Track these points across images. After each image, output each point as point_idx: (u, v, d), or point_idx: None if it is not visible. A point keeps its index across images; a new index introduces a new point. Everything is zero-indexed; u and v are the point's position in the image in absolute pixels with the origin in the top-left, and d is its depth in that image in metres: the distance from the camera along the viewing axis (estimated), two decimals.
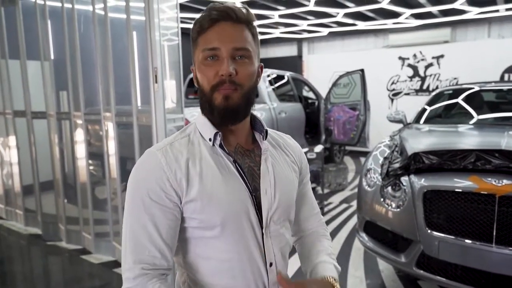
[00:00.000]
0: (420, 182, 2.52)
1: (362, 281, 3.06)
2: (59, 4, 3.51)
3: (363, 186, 2.96)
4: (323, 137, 6.45)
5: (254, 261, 0.92)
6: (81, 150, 3.65)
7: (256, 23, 0.94)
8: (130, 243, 0.88)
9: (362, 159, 7.82)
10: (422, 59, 8.16)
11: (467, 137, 3.27)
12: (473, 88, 4.06)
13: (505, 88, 4.10)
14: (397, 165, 2.74)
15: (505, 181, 2.27)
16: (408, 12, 6.51)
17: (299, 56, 9.85)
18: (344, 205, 5.12)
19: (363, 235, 2.93)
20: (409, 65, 8.34)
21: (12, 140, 4.42)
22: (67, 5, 3.45)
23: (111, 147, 3.35)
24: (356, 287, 2.98)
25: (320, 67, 9.39)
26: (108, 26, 3.14)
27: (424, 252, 2.44)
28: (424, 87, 8.23)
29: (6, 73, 4.23)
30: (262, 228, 0.93)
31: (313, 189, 5.06)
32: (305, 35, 9.16)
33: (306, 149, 4.84)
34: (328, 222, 4.42)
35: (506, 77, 7.30)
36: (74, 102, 3.60)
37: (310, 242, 1.11)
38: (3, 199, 4.70)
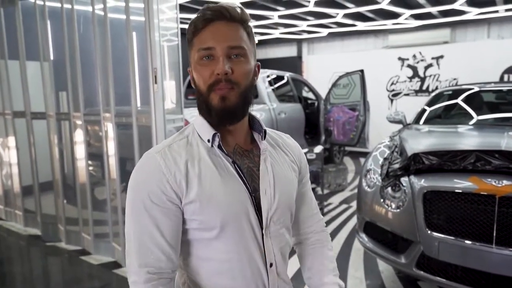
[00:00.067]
0: (420, 183, 2.52)
1: (362, 282, 3.06)
2: (59, 5, 3.50)
3: (363, 186, 2.96)
4: (323, 137, 6.45)
5: (254, 262, 0.92)
6: (80, 151, 3.65)
7: (251, 22, 0.94)
8: (134, 247, 0.88)
9: (362, 160, 7.82)
10: (422, 60, 8.17)
11: (467, 138, 3.27)
12: (472, 88, 4.06)
13: (504, 88, 4.11)
14: (397, 166, 2.73)
15: (505, 182, 2.26)
16: (407, 12, 6.51)
17: (299, 57, 9.85)
18: (344, 206, 5.11)
19: (363, 235, 2.92)
20: (409, 66, 8.34)
21: (11, 140, 4.41)
22: (67, 6, 3.45)
23: (111, 147, 3.34)
24: None
25: (320, 67, 9.39)
26: (108, 27, 3.13)
27: (424, 253, 2.44)
28: (424, 87, 8.23)
29: (6, 73, 4.22)
30: (262, 228, 0.93)
31: (313, 189, 5.05)
32: (305, 35, 9.16)
33: (305, 150, 4.83)
34: (328, 223, 4.42)
35: (505, 77, 7.31)
36: (73, 103, 3.59)
37: (313, 253, 1.11)
38: (3, 199, 4.70)
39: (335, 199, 5.43)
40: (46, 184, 4.14)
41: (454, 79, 7.86)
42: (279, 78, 6.21)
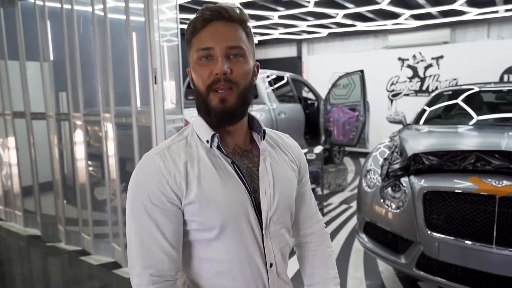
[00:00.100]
0: (420, 183, 2.51)
1: (362, 282, 3.06)
2: (59, 5, 3.50)
3: (363, 187, 2.96)
4: (323, 138, 6.45)
5: (254, 262, 0.92)
6: (80, 151, 3.65)
7: (250, 23, 0.94)
8: (136, 249, 0.87)
9: (362, 160, 7.82)
10: (422, 60, 8.17)
11: (467, 138, 3.27)
12: (472, 89, 4.06)
13: (504, 89, 4.10)
14: (397, 166, 2.73)
15: (505, 182, 2.26)
16: (407, 13, 6.51)
17: (299, 57, 9.85)
18: (344, 206, 5.11)
19: (363, 236, 2.92)
20: (409, 66, 8.34)
21: (11, 141, 4.41)
22: (67, 6, 3.45)
23: (111, 148, 3.34)
24: None
25: (320, 68, 9.39)
26: (108, 27, 3.13)
27: (424, 253, 2.44)
28: (424, 88, 8.23)
29: (6, 74, 4.22)
30: (262, 229, 0.92)
31: (313, 190, 5.06)
32: (305, 36, 9.16)
33: (305, 150, 4.83)
34: (327, 223, 4.42)
35: (505, 78, 7.31)
36: (73, 103, 3.59)
37: (314, 260, 1.11)
38: (2, 200, 4.70)
39: (335, 200, 5.43)
40: (46, 184, 4.14)
41: (454, 79, 7.86)
42: (279, 78, 6.21)
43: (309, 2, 5.84)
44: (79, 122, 3.57)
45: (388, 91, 8.66)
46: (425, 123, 3.90)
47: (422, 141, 3.16)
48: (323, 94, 6.63)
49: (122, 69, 3.14)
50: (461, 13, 6.60)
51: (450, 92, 4.27)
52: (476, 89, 4.04)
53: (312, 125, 6.53)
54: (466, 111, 3.82)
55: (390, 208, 2.66)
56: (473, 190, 2.32)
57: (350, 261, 3.43)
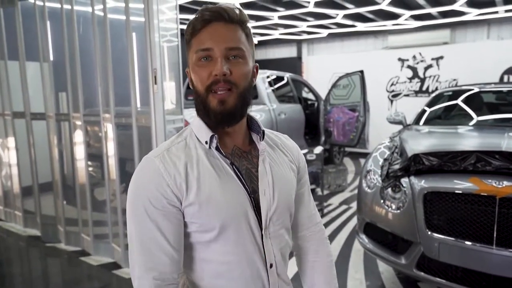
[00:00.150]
0: (420, 184, 2.51)
1: (362, 283, 3.05)
2: (59, 5, 3.50)
3: (363, 187, 2.96)
4: (323, 138, 6.45)
5: (253, 263, 0.91)
6: (80, 152, 3.64)
7: (250, 23, 0.94)
8: (138, 251, 0.87)
9: (362, 161, 7.82)
10: (422, 61, 8.17)
11: (467, 139, 3.27)
12: (472, 89, 4.06)
13: (504, 89, 4.10)
14: (397, 167, 2.73)
15: (505, 183, 2.26)
16: (407, 13, 6.51)
17: (299, 57, 9.85)
18: (344, 207, 5.11)
19: (363, 236, 2.92)
20: (409, 67, 8.34)
21: (11, 141, 4.40)
22: (66, 6, 3.45)
23: (110, 148, 3.34)
24: None
25: (320, 68, 9.39)
26: (108, 27, 3.13)
27: (425, 254, 2.43)
28: (424, 88, 8.23)
29: (5, 74, 4.22)
30: (261, 229, 0.92)
31: (313, 190, 5.07)
32: (305, 36, 9.16)
33: (305, 150, 4.83)
34: (327, 224, 4.42)
35: (505, 78, 7.31)
36: (73, 103, 3.59)
37: (313, 272, 1.11)
38: (2, 200, 4.69)
39: (335, 200, 5.43)
40: (45, 185, 4.14)
41: (454, 79, 7.86)
42: (279, 78, 6.21)
43: (309, 2, 5.85)
44: (79, 123, 3.57)
45: (388, 91, 8.66)
46: (425, 123, 3.89)
47: (422, 142, 3.16)
48: (323, 94, 6.63)
49: (122, 70, 3.13)
50: (461, 13, 6.60)
51: (450, 93, 4.27)
52: (476, 89, 4.04)
53: (312, 125, 6.53)
54: (466, 112, 3.82)
55: (390, 209, 2.66)
56: (474, 190, 2.32)
57: (350, 262, 3.43)
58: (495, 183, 2.29)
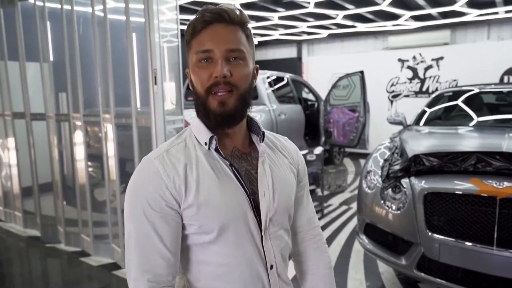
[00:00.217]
0: (421, 184, 2.51)
1: (362, 284, 3.05)
2: (59, 6, 3.50)
3: (363, 188, 2.96)
4: (323, 139, 6.44)
5: (253, 265, 0.91)
6: (80, 152, 3.64)
7: (251, 24, 0.93)
8: (134, 253, 0.87)
9: (362, 161, 7.82)
10: (422, 61, 8.17)
11: (468, 139, 3.27)
12: (473, 90, 4.06)
13: (505, 90, 4.10)
14: (397, 167, 2.73)
15: (506, 183, 2.26)
16: (407, 14, 6.51)
17: (299, 58, 9.85)
18: (344, 207, 5.10)
19: (363, 237, 2.92)
20: (409, 67, 8.34)
21: (11, 141, 4.40)
22: (67, 7, 3.45)
23: (110, 149, 3.34)
24: None
25: (320, 69, 9.39)
26: (108, 28, 3.13)
27: (425, 255, 2.43)
28: (424, 89, 8.23)
29: (5, 74, 4.22)
30: (261, 230, 0.92)
31: (313, 191, 5.07)
32: (305, 37, 9.17)
33: (305, 151, 4.83)
34: (328, 224, 4.42)
35: (505, 79, 7.31)
36: (73, 104, 3.59)
37: (312, 279, 1.12)
38: (2, 201, 4.69)
39: (335, 201, 5.43)
40: (45, 185, 4.13)
41: (454, 80, 7.86)
42: (279, 79, 6.21)
43: (309, 3, 5.85)
44: (79, 123, 3.57)
45: (388, 92, 8.66)
46: (426, 124, 3.89)
47: (422, 142, 3.15)
48: (323, 95, 6.63)
49: (122, 70, 3.13)
50: (461, 14, 6.60)
51: (450, 93, 4.27)
52: (476, 90, 4.04)
53: (312, 126, 6.52)
54: (467, 112, 3.82)
55: (390, 209, 2.66)
56: (474, 191, 2.31)
57: (350, 263, 3.42)
58: (496, 183, 2.28)
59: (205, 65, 0.87)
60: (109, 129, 3.33)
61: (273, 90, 5.73)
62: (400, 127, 4.08)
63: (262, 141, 0.97)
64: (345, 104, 6.16)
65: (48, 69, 3.73)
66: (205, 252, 0.90)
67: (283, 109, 5.57)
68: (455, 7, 6.03)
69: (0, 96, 4.37)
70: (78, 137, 3.63)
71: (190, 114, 3.63)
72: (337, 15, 6.63)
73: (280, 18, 6.85)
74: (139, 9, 2.87)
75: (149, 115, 2.89)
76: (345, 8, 6.21)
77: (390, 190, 2.71)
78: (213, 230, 0.87)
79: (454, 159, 2.49)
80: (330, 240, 3.94)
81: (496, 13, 6.52)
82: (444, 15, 6.89)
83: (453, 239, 2.34)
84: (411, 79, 8.35)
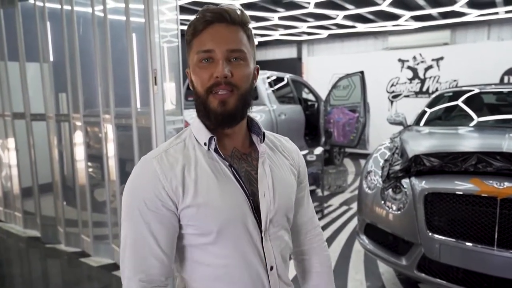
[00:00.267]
0: (421, 185, 2.51)
1: (363, 284, 3.05)
2: (59, 6, 3.50)
3: (364, 188, 2.95)
4: (323, 139, 6.44)
5: (253, 266, 0.90)
6: (80, 152, 3.64)
7: (251, 25, 0.93)
8: (129, 252, 0.87)
9: (362, 161, 7.82)
10: (422, 61, 8.17)
11: (468, 140, 3.27)
12: (473, 90, 4.06)
13: (505, 90, 4.10)
14: (397, 168, 2.72)
15: (506, 184, 2.26)
16: (407, 14, 6.51)
17: (299, 58, 9.85)
18: (344, 207, 5.10)
19: (364, 237, 2.91)
20: (409, 67, 8.34)
21: (11, 142, 4.40)
22: (67, 7, 3.45)
23: (110, 149, 3.33)
24: None
25: (320, 69, 9.39)
26: (108, 28, 3.13)
27: (425, 255, 2.43)
28: (424, 89, 8.23)
29: (5, 75, 4.22)
30: (261, 232, 0.91)
31: (313, 191, 5.06)
32: (305, 37, 9.16)
33: (306, 151, 4.83)
34: (328, 225, 4.41)
35: (506, 79, 7.31)
36: (73, 104, 3.59)
37: (313, 274, 1.13)
38: (2, 201, 4.69)
39: (335, 201, 5.42)
40: (45, 185, 4.13)
41: (454, 80, 7.85)
42: (279, 79, 6.21)
43: (309, 3, 5.84)
44: (79, 123, 3.57)
45: (388, 92, 8.66)
46: (426, 124, 3.89)
47: (423, 143, 3.15)
48: (323, 95, 6.63)
49: (122, 70, 3.13)
50: (461, 14, 6.60)
51: (450, 94, 4.27)
52: (476, 90, 4.04)
53: (312, 126, 6.52)
54: (467, 113, 3.82)
55: (391, 210, 2.66)
56: (475, 191, 2.31)
57: (350, 263, 3.42)
58: (496, 184, 2.28)
59: (206, 65, 0.86)
60: (109, 130, 3.32)
61: (273, 91, 5.73)
62: (400, 128, 4.08)
63: (263, 142, 0.96)
64: (345, 105, 6.16)
65: (48, 69, 3.72)
66: (204, 253, 0.90)
67: (283, 110, 5.57)
68: (455, 7, 6.03)
69: (0, 97, 4.37)
70: (78, 137, 3.63)
71: (190, 115, 3.63)
72: (337, 15, 6.63)
73: (280, 18, 6.85)
74: (139, 9, 2.87)
75: (149, 115, 2.89)
76: (345, 9, 6.21)
77: (390, 190, 2.71)
78: (212, 231, 0.87)
79: (454, 159, 2.48)
80: (330, 240, 3.93)
81: (496, 13, 6.52)
82: (444, 15, 6.89)
83: (453, 240, 2.34)
84: (411, 79, 8.35)
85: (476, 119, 3.68)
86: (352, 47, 9.18)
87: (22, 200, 4.34)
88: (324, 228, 4.28)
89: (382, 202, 2.72)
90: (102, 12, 3.15)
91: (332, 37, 8.95)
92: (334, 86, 6.24)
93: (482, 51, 7.44)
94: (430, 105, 4.18)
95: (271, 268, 0.93)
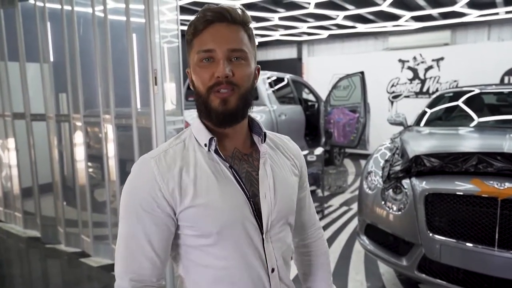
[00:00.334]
0: (422, 185, 2.50)
1: (363, 285, 3.04)
2: (59, 6, 3.50)
3: (364, 188, 2.95)
4: (323, 139, 6.44)
5: (253, 268, 0.90)
6: (80, 153, 3.64)
7: (252, 24, 0.92)
8: (122, 251, 0.88)
9: (362, 162, 7.81)
10: (422, 62, 8.16)
11: (469, 140, 3.26)
12: (473, 90, 4.05)
13: (505, 90, 4.10)
14: (398, 168, 2.72)
15: (507, 184, 2.25)
16: (408, 14, 6.51)
17: (299, 59, 9.85)
18: (344, 208, 5.10)
19: (364, 238, 2.91)
20: (409, 68, 8.34)
21: (11, 142, 4.40)
22: (67, 7, 3.45)
23: (111, 149, 3.33)
24: None
25: (320, 69, 9.38)
26: (108, 28, 3.13)
27: (426, 256, 2.42)
28: (424, 89, 8.23)
29: (6, 75, 4.22)
30: (262, 233, 0.91)
31: (313, 191, 5.06)
32: (305, 37, 9.16)
33: (306, 152, 4.83)
34: (328, 225, 4.41)
35: (506, 79, 7.30)
36: (73, 104, 3.58)
37: (312, 264, 1.16)
38: (2, 201, 4.68)
39: (336, 201, 5.42)
40: (45, 186, 4.13)
41: (455, 81, 7.85)
42: (280, 79, 6.21)
43: (309, 3, 5.84)
44: (79, 124, 3.57)
45: (388, 92, 8.65)
46: (426, 125, 3.89)
47: (423, 143, 3.15)
48: (323, 95, 6.63)
49: (122, 70, 3.13)
50: (462, 15, 6.60)
51: (451, 94, 4.26)
52: (477, 91, 4.04)
53: (312, 126, 6.52)
54: (467, 113, 3.82)
55: (391, 210, 2.65)
56: (475, 192, 2.31)
57: (350, 263, 3.42)
58: (497, 184, 2.28)
59: (207, 65, 0.86)
60: (109, 130, 3.32)
61: (273, 91, 5.73)
62: (400, 128, 4.08)
63: (264, 142, 0.96)
64: (345, 105, 6.16)
65: (48, 69, 3.72)
66: (204, 255, 0.89)
67: (283, 110, 5.56)
68: (456, 8, 6.03)
69: (0, 97, 4.37)
70: (78, 137, 3.63)
71: (191, 115, 3.63)
72: (338, 15, 6.63)
73: (281, 18, 6.85)
74: (140, 9, 2.87)
75: (149, 115, 2.89)
76: (345, 9, 6.20)
77: (391, 191, 2.71)
78: (212, 233, 0.86)
79: (455, 159, 2.48)
80: (330, 241, 3.93)
81: (497, 13, 6.52)
82: (445, 15, 6.89)
83: (454, 240, 2.33)
84: (411, 80, 8.35)
85: (477, 119, 3.67)
86: (352, 47, 9.18)
87: (22, 200, 4.34)
88: (324, 228, 4.27)
89: (383, 202, 2.72)
90: (102, 12, 3.15)
91: (332, 37, 8.95)
92: (334, 87, 6.24)
93: (482, 51, 7.44)
94: (430, 106, 4.18)
95: (272, 270, 0.92)
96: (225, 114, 0.87)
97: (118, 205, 2.99)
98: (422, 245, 2.43)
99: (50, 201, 4.05)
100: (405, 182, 2.63)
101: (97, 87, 3.31)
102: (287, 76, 6.35)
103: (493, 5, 6.06)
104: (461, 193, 2.35)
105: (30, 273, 3.46)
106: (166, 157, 0.88)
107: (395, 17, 6.89)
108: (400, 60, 8.41)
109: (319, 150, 4.97)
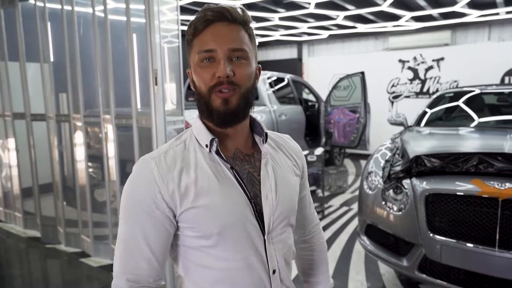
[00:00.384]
0: (422, 185, 2.50)
1: (363, 285, 3.04)
2: (59, 6, 3.50)
3: (364, 189, 2.95)
4: (323, 139, 6.44)
5: (254, 270, 0.89)
6: (80, 153, 3.63)
7: (252, 24, 0.92)
8: (121, 251, 0.88)
9: (362, 162, 7.81)
10: (422, 62, 8.16)
11: (469, 140, 3.26)
12: (474, 91, 4.05)
13: (506, 91, 4.09)
14: (398, 168, 2.72)
15: (508, 185, 2.25)
16: (408, 14, 6.51)
17: (299, 59, 9.85)
18: (345, 208, 5.09)
19: (364, 238, 2.91)
20: (409, 68, 8.33)
21: (11, 142, 4.40)
22: (67, 7, 3.44)
23: (111, 149, 3.33)
24: None
25: (320, 69, 9.38)
26: (108, 28, 3.13)
27: (426, 256, 2.42)
28: (424, 89, 8.22)
29: (6, 75, 4.21)
30: (264, 234, 0.90)
31: (314, 191, 5.06)
32: (305, 37, 9.16)
33: (306, 152, 4.82)
34: (328, 225, 4.41)
35: (506, 80, 7.30)
36: (73, 104, 3.58)
37: (312, 259, 1.18)
38: (2, 201, 4.68)
39: (336, 202, 5.42)
40: (45, 186, 4.13)
41: (455, 81, 7.85)
42: (280, 80, 6.21)
43: (309, 3, 5.84)
44: (79, 124, 3.56)
45: (388, 93, 8.65)
46: (427, 125, 3.88)
47: (423, 143, 3.15)
48: (323, 95, 6.63)
49: (122, 71, 3.13)
50: (462, 15, 6.60)
51: (451, 94, 4.26)
52: (477, 91, 4.04)
53: (312, 126, 6.51)
54: (468, 113, 3.81)
55: (391, 211, 2.65)
56: (476, 192, 2.30)
57: (351, 264, 3.41)
58: (498, 185, 2.28)
59: (208, 65, 0.86)
60: (109, 130, 3.32)
61: (273, 91, 5.72)
62: (401, 128, 4.07)
63: (265, 142, 0.95)
64: (345, 105, 6.16)
65: (49, 69, 3.72)
66: (205, 257, 0.89)
67: (283, 110, 5.56)
68: (456, 8, 6.03)
69: (1, 97, 4.37)
70: (79, 137, 3.63)
71: (191, 115, 3.63)
72: (338, 16, 6.63)
73: (281, 18, 6.85)
74: (140, 9, 2.87)
75: (150, 115, 2.88)
76: (345, 9, 6.20)
77: (391, 191, 2.71)
78: (212, 234, 0.86)
79: (455, 160, 2.48)
80: (331, 241, 3.93)
81: (497, 14, 6.52)
82: (445, 16, 6.89)
83: (454, 241, 2.33)
84: (411, 80, 8.35)
85: (477, 119, 3.67)
86: (352, 47, 9.18)
87: (22, 200, 4.34)
88: (324, 229, 4.27)
89: (383, 202, 2.72)
90: (102, 12, 3.15)
91: (332, 37, 8.95)
92: (335, 87, 6.24)
93: (482, 51, 7.44)
94: (430, 106, 4.18)
95: (274, 272, 0.92)
96: (226, 114, 0.86)
97: (118, 205, 2.98)
98: (423, 245, 2.43)
99: (50, 201, 4.05)
100: (406, 182, 2.62)
101: (97, 87, 3.31)
102: (287, 76, 6.35)
103: (494, 5, 6.06)
104: (462, 194, 2.35)
105: (30, 273, 3.46)
106: (166, 158, 0.88)
107: (395, 17, 6.89)
108: (400, 60, 8.41)
109: (319, 150, 4.97)
